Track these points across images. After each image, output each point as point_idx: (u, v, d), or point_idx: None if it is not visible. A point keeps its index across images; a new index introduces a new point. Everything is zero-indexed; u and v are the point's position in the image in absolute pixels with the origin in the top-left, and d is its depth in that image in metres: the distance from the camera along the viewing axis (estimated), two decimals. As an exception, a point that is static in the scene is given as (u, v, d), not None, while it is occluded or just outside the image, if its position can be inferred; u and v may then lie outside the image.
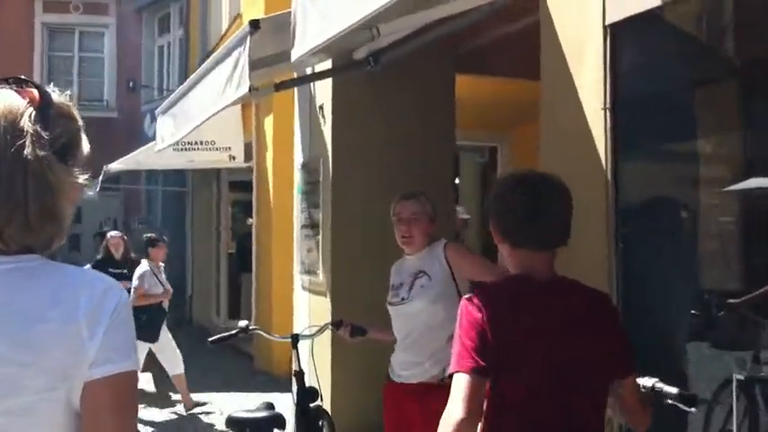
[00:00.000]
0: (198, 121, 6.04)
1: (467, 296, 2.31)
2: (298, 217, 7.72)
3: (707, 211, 3.94)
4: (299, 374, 4.61)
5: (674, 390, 2.50)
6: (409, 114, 7.05)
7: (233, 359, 11.67)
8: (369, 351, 4.47)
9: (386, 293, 6.74)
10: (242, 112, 11.49)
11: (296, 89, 7.90)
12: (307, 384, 4.61)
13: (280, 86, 6.29)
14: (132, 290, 8.46)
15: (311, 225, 7.28)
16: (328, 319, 6.76)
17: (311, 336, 4.71)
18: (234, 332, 4.72)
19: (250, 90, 4.52)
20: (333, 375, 5.35)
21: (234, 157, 11.48)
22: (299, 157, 7.76)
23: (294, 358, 4.62)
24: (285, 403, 8.56)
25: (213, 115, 5.76)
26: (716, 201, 3.89)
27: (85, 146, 1.56)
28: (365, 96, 6.95)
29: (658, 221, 3.96)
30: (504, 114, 10.30)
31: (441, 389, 3.88)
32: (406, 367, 4.00)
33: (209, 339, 4.76)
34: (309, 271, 7.30)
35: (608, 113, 3.89)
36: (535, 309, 2.32)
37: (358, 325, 4.32)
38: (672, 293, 3.87)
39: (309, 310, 7.32)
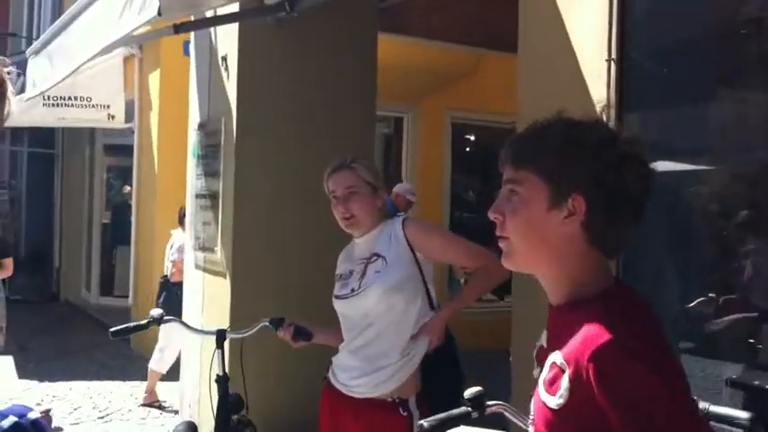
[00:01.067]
0: (83, 59, 4.95)
1: (617, 346, 1.43)
2: (192, 185, 6.72)
3: (725, 190, 3.26)
4: (223, 380, 3.70)
5: (728, 411, 2.23)
6: (327, 71, 6.18)
7: (109, 341, 10.52)
8: (303, 352, 3.61)
9: (303, 276, 6.04)
10: (124, 67, 10.30)
11: (193, 36, 6.91)
12: (230, 392, 3.72)
13: (179, 28, 5.29)
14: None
15: (209, 195, 6.32)
16: (226, 302, 5.89)
17: (242, 335, 3.78)
18: (143, 323, 3.75)
19: (159, 13, 3.53)
20: (259, 380, 4.45)
21: (113, 117, 10.27)
22: (194, 117, 6.76)
23: (218, 360, 3.70)
24: (169, 393, 7.70)
25: (105, 50, 4.71)
26: (740, 178, 3.22)
27: None
28: (277, 48, 6.03)
29: (670, 202, 3.26)
30: (414, 82, 9.62)
31: (392, 411, 3.10)
32: (353, 375, 3.18)
33: (111, 330, 3.77)
34: (205, 247, 6.34)
35: (613, 66, 3.17)
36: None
37: (302, 326, 3.43)
38: (687, 286, 3.21)
39: (203, 292, 6.37)
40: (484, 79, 10.00)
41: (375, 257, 3.17)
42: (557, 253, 1.57)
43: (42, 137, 15.11)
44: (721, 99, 3.23)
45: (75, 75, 5.71)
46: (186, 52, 8.93)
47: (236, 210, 5.92)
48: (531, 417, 1.63)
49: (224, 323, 5.73)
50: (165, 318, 3.72)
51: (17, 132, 15.47)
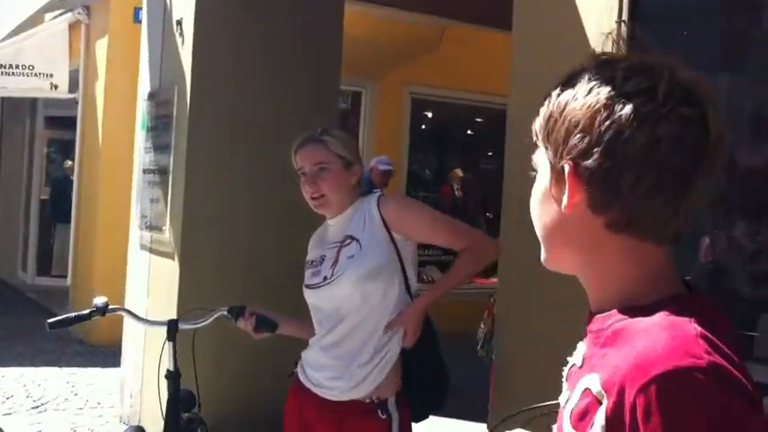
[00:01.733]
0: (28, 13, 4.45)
1: (687, 373, 0.99)
2: (139, 159, 6.24)
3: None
4: (174, 376, 3.27)
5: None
6: (290, 39, 5.74)
7: (41, 324, 9.95)
8: (264, 344, 3.20)
9: (261, 259, 5.60)
10: (69, 33, 9.69)
11: (145, 0, 6.41)
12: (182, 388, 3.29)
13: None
14: None
15: (158, 170, 5.85)
16: (174, 286, 5.45)
17: (195, 325, 3.35)
18: (85, 313, 3.26)
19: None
20: (214, 375, 4.01)
21: (56, 87, 9.64)
22: (144, 86, 6.27)
23: (169, 353, 3.26)
24: (109, 381, 7.22)
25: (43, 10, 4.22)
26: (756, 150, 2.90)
27: None
28: (237, 12, 5.58)
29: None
30: (374, 55, 9.24)
31: (370, 413, 2.73)
32: (328, 376, 2.79)
33: (49, 322, 3.28)
34: (152, 226, 5.87)
35: (624, 28, 2.83)
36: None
37: (265, 315, 3.01)
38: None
39: (149, 274, 5.91)
40: (447, 53, 9.67)
41: (348, 240, 2.79)
42: (580, 244, 1.14)
43: (-22, 107, 14.38)
44: (742, 64, 2.91)
45: (19, 41, 5.24)
46: (137, 19, 8.43)
47: (188, 186, 5.47)
48: None
49: (171, 308, 5.30)
50: (111, 307, 3.27)
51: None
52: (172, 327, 3.30)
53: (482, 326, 4.64)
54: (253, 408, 5.12)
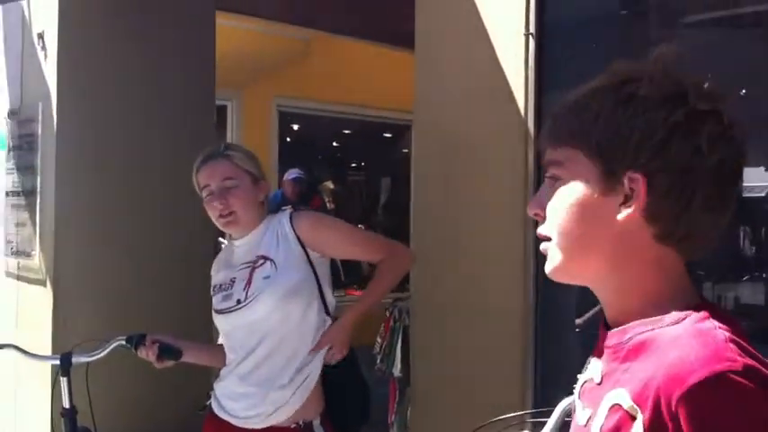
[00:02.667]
0: None
1: (730, 379, 0.96)
2: (1, 181, 5.85)
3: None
4: (71, 413, 3.02)
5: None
6: (161, 51, 5.53)
7: None
8: (165, 374, 3.02)
9: (145, 282, 5.34)
10: None
11: (0, 11, 6.02)
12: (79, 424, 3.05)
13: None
14: None
15: (23, 192, 5.50)
16: (47, 315, 5.12)
17: (90, 358, 3.11)
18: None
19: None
20: (111, 410, 3.72)
21: None
22: (3, 104, 5.89)
23: (64, 389, 3.01)
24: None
25: None
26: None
27: None
28: (104, 24, 5.33)
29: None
30: (240, 68, 9.06)
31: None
32: (247, 405, 2.65)
33: None
34: (19, 252, 5.51)
35: (531, 41, 2.84)
36: None
37: (168, 343, 2.83)
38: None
39: (18, 303, 5.54)
40: (313, 64, 9.59)
41: (262, 261, 2.67)
42: (614, 254, 1.12)
43: None
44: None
45: None
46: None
47: (58, 208, 5.17)
48: None
49: (45, 339, 4.99)
50: (1, 344, 3.00)
51: None
52: (65, 361, 3.06)
53: (378, 340, 4.59)
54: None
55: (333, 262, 2.84)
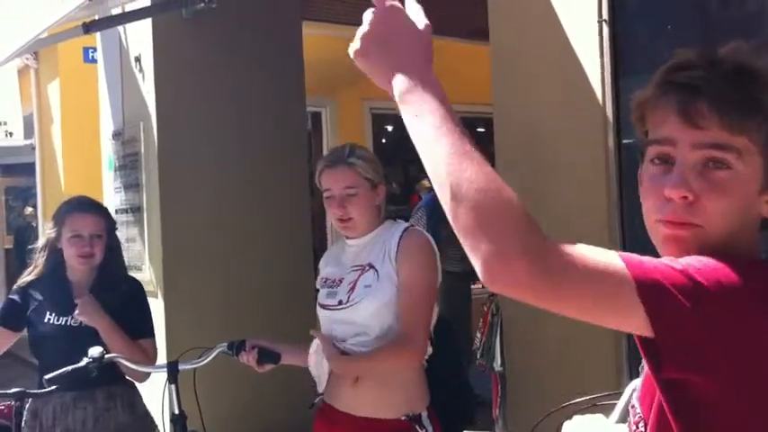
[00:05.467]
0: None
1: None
2: (110, 200, 6.14)
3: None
4: (181, 418, 3.17)
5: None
6: (251, 64, 5.71)
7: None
8: (266, 376, 3.15)
9: (248, 290, 5.53)
10: (19, 79, 9.54)
11: (99, 39, 6.33)
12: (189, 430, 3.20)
13: (90, 27, 4.77)
14: None
15: (130, 209, 5.77)
16: (161, 325, 5.35)
17: (195, 365, 3.26)
18: (80, 365, 3.13)
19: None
20: (220, 414, 3.90)
21: (11, 134, 9.50)
22: (107, 126, 6.18)
23: (171, 396, 3.17)
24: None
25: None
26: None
27: None
28: (196, 43, 5.53)
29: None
30: (331, 74, 9.21)
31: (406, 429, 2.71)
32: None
33: (46, 378, 3.12)
34: (131, 266, 5.75)
35: (605, 27, 2.83)
36: None
37: (267, 347, 2.95)
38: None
39: (132, 315, 5.80)
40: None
41: (368, 268, 2.74)
42: (741, 244, 1.15)
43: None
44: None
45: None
46: (87, 59, 8.33)
47: (164, 222, 5.40)
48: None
49: (161, 347, 5.20)
50: (108, 356, 3.15)
51: None
52: (172, 369, 3.21)
53: (477, 334, 4.61)
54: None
55: None
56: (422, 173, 11.31)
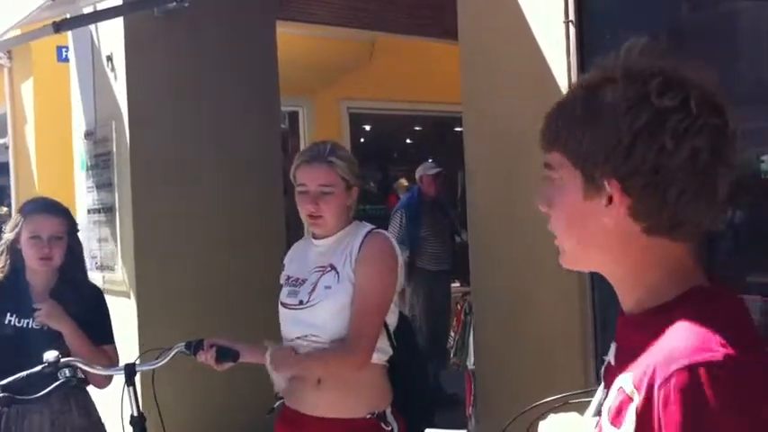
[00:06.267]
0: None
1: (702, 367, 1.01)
2: (82, 199, 6.10)
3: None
4: (139, 420, 3.13)
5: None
6: (224, 64, 5.70)
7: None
8: (226, 375, 3.12)
9: (221, 289, 5.49)
10: (-9, 78, 9.46)
11: (71, 37, 6.28)
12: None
13: (60, 26, 4.73)
14: None
15: (103, 208, 5.73)
16: (133, 325, 5.33)
17: (153, 366, 3.23)
18: (37, 369, 3.08)
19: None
20: (179, 415, 3.87)
21: (-16, 134, 9.41)
22: (79, 126, 6.14)
23: (130, 398, 3.13)
24: None
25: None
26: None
27: None
28: (168, 42, 5.51)
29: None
30: (308, 73, 9.20)
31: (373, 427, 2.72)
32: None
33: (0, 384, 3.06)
34: (104, 266, 5.74)
35: (571, 28, 2.84)
36: None
37: (226, 346, 2.92)
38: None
39: (105, 315, 5.76)
40: (378, 66, 9.66)
41: (329, 269, 2.74)
42: (611, 248, 1.18)
43: None
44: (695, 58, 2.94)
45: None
46: (60, 58, 8.25)
47: (136, 222, 5.38)
48: None
49: (133, 347, 5.18)
50: (63, 360, 3.09)
51: None
52: (129, 371, 3.16)
53: (452, 333, 4.63)
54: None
55: None
56: (399, 172, 11.39)
